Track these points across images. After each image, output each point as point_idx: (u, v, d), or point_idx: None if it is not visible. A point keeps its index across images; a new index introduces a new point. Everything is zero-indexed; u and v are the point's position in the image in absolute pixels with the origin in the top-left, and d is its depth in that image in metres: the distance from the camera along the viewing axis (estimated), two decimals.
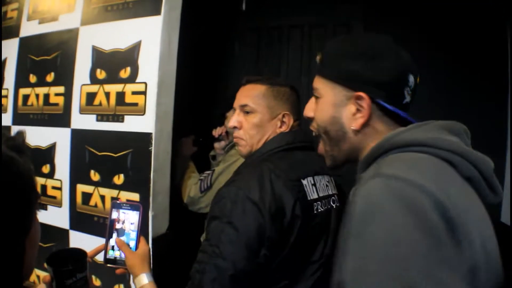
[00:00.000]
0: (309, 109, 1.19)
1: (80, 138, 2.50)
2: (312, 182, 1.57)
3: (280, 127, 1.70)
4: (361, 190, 0.86)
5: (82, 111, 2.50)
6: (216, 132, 2.70)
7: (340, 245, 0.93)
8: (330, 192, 1.67)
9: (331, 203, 1.64)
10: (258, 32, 3.48)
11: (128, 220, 1.65)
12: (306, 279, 1.49)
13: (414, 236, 0.75)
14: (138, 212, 1.65)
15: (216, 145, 2.74)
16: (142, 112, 2.24)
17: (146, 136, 2.20)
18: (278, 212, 1.39)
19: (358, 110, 1.06)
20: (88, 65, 2.50)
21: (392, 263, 0.75)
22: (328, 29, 3.31)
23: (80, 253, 1.43)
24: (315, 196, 1.55)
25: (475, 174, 0.89)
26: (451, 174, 0.88)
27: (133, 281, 1.60)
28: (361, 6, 3.26)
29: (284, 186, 1.44)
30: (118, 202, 1.68)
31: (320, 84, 1.14)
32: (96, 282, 2.43)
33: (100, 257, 2.39)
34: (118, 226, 1.66)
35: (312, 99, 1.19)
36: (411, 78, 1.06)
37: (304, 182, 1.54)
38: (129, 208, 1.66)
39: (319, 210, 1.55)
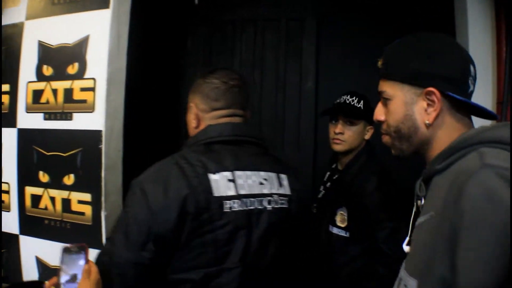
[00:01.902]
0: (380, 113, 1.23)
1: (27, 138, 2.41)
2: (230, 178, 1.41)
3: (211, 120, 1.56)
4: (473, 181, 0.89)
5: (28, 109, 2.41)
6: None
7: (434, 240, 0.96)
8: (266, 192, 1.48)
9: (264, 204, 1.46)
10: (211, 26, 3.44)
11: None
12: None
13: None
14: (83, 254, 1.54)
15: None
16: (91, 109, 2.17)
17: (96, 134, 2.14)
18: (165, 207, 1.30)
19: (429, 105, 1.10)
20: (34, 61, 2.41)
21: None
22: (281, 23, 3.30)
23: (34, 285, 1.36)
24: (229, 193, 1.39)
25: None
26: None
27: None
28: (314, 0, 3.27)
29: (183, 179, 1.34)
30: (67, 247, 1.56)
31: (387, 87, 1.18)
32: None
33: (52, 261, 2.33)
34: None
35: (380, 103, 1.23)
36: (472, 68, 1.12)
37: (215, 176, 1.38)
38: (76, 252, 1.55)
39: (233, 209, 1.38)
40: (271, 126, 3.28)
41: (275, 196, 1.50)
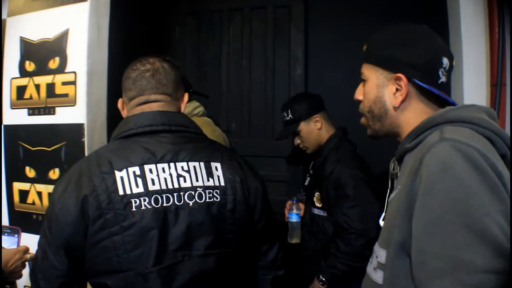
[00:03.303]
0: (359, 93, 1.31)
1: (12, 134, 2.41)
2: (138, 173, 1.27)
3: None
4: (431, 153, 0.98)
5: (13, 106, 2.41)
6: None
7: (394, 211, 1.07)
8: (186, 185, 1.32)
9: (185, 199, 1.30)
10: (199, 16, 3.42)
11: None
12: None
13: (482, 191, 0.90)
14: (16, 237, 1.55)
15: None
16: (73, 103, 2.17)
17: (78, 127, 2.14)
18: (63, 209, 1.23)
19: (397, 90, 1.19)
20: (17, 57, 2.40)
21: (464, 213, 0.89)
22: (268, 11, 3.28)
23: None
24: (137, 190, 1.25)
25: (508, 152, 1.03)
26: (492, 148, 1.01)
27: None
28: None
29: (86, 179, 1.24)
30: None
31: (365, 69, 1.27)
32: None
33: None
34: None
35: (361, 84, 1.31)
36: (445, 60, 1.18)
37: (121, 173, 1.26)
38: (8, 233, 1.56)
39: (142, 208, 1.25)
40: (261, 115, 3.28)
41: (200, 189, 1.33)
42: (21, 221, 2.37)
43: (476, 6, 1.93)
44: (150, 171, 1.28)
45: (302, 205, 2.47)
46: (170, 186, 1.29)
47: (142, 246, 1.24)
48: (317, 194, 2.27)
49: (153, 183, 1.27)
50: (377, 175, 2.21)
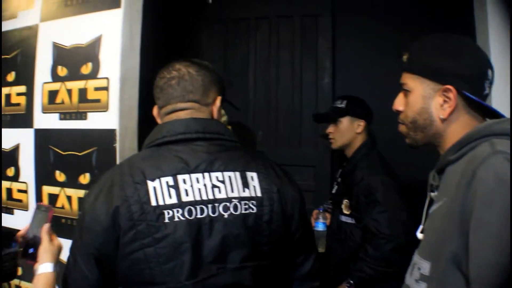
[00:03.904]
0: (399, 103, 1.30)
1: (43, 138, 2.43)
2: (172, 184, 1.23)
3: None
4: (485, 165, 0.96)
5: (44, 110, 2.43)
6: None
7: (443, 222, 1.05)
8: (221, 196, 1.26)
9: (219, 211, 1.25)
10: (226, 24, 3.42)
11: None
12: None
13: None
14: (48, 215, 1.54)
15: None
16: (105, 108, 2.18)
17: (110, 133, 2.15)
18: (93, 219, 1.21)
19: (445, 101, 1.18)
20: (49, 62, 2.43)
21: None
22: (296, 20, 3.27)
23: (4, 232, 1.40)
24: (170, 201, 1.21)
25: None
26: None
27: None
28: None
29: (117, 189, 1.22)
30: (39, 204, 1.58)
31: (408, 80, 1.25)
32: None
33: None
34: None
35: (401, 94, 1.30)
36: (490, 72, 1.19)
37: (153, 183, 1.22)
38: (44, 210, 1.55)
39: (174, 220, 1.20)
40: (287, 123, 3.26)
41: (235, 200, 1.27)
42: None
43: (502, 18, 1.93)
44: (184, 181, 1.24)
45: (328, 215, 2.47)
46: (204, 197, 1.24)
47: (175, 259, 1.20)
48: (345, 201, 2.29)
49: (187, 194, 1.23)
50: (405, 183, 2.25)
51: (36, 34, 2.49)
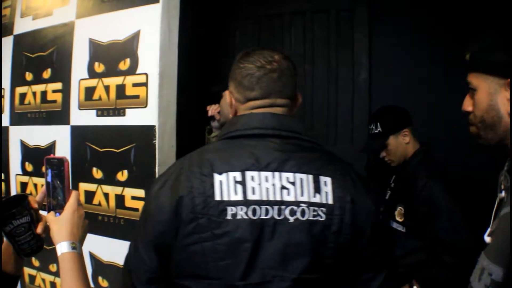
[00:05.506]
0: (467, 104, 1.27)
1: (80, 135, 2.42)
2: (239, 179, 1.18)
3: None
4: None
5: (81, 106, 2.41)
6: (211, 110, 2.65)
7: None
8: (290, 199, 1.18)
9: (285, 214, 1.17)
10: (259, 20, 3.39)
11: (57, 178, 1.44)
12: None
13: None
14: (63, 168, 1.35)
15: (212, 122, 2.71)
16: (144, 104, 2.15)
17: (149, 129, 2.12)
18: (158, 208, 1.21)
19: None
20: (86, 59, 2.41)
21: None
22: (331, 15, 3.22)
23: (17, 198, 1.30)
24: (235, 197, 1.17)
25: None
26: None
27: None
28: None
29: (184, 179, 1.20)
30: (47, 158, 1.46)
31: (473, 79, 1.23)
32: (103, 283, 2.35)
33: (106, 257, 2.33)
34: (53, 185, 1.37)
35: (468, 95, 1.27)
36: None
37: (220, 177, 1.18)
38: (56, 163, 1.44)
39: (237, 217, 1.16)
40: (323, 120, 3.21)
41: (303, 205, 1.18)
42: None
43: None
44: (252, 178, 1.19)
45: None
46: (271, 198, 1.18)
47: (233, 257, 1.15)
48: (399, 208, 2.26)
49: (253, 192, 1.17)
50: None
51: (72, 31, 2.48)
